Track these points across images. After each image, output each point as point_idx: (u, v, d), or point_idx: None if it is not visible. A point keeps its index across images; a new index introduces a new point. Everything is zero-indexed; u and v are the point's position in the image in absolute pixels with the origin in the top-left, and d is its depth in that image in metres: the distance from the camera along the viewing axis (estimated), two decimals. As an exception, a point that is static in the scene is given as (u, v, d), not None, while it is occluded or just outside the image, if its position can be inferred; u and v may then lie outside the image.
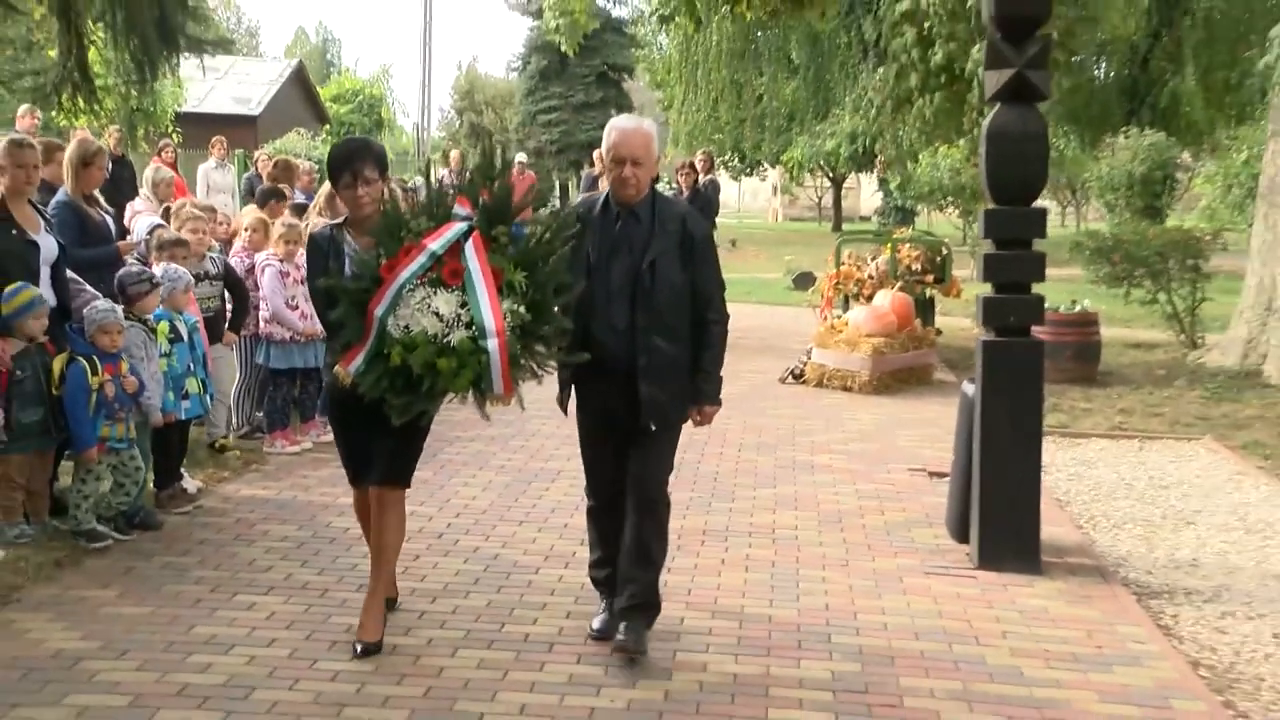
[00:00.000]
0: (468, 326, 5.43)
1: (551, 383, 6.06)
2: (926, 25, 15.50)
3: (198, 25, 7.19)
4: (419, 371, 5.41)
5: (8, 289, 7.81)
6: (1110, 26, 25.41)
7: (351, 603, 7.00)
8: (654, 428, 6.09)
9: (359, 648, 6.19)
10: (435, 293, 5.47)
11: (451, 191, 5.86)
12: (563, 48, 24.93)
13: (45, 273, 8.25)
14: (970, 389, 8.34)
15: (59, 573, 7.51)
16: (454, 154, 28.85)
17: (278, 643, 6.38)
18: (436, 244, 5.48)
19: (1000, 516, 8.05)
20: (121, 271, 8.83)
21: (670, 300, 6.00)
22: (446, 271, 5.48)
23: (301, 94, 47.36)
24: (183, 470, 9.24)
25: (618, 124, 6.13)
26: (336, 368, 5.66)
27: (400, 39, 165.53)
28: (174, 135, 22.81)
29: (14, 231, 8.09)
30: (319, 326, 9.21)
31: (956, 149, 16.29)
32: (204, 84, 38.25)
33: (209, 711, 5.65)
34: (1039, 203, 8.34)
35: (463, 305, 5.45)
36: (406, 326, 5.44)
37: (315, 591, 7.32)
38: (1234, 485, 10.59)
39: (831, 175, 37.36)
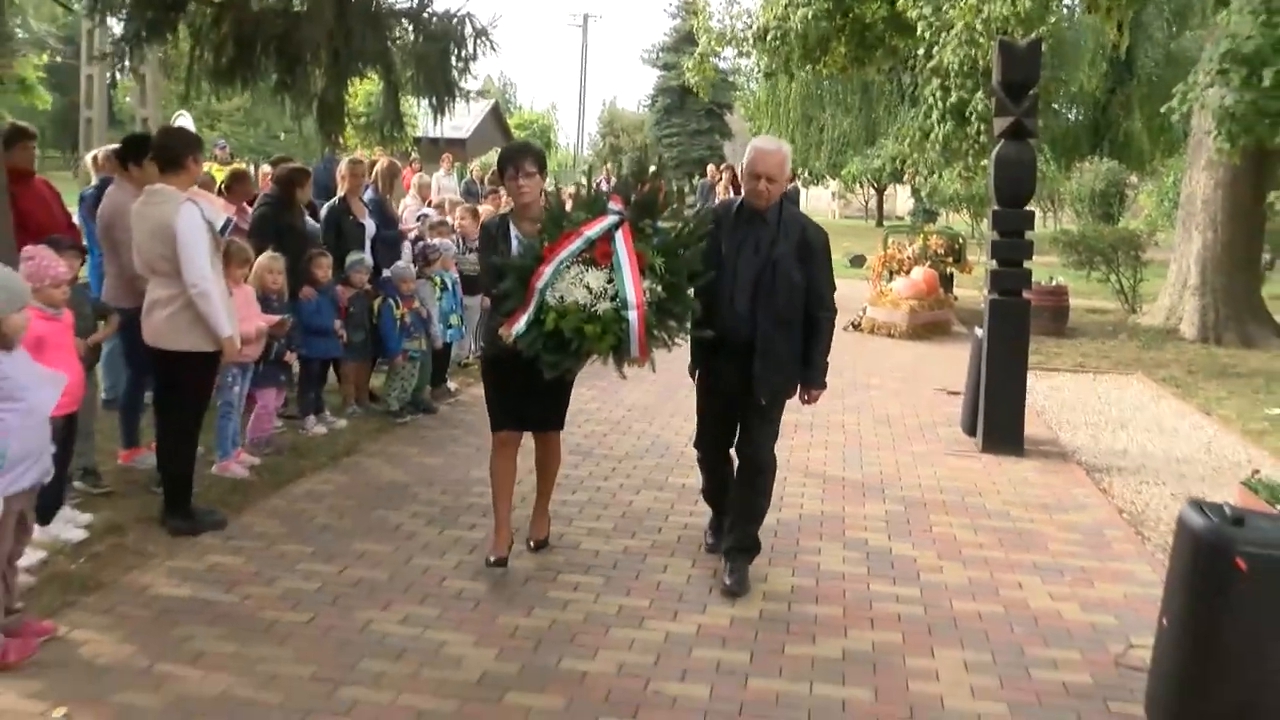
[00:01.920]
0: (612, 299, 4.82)
1: (677, 354, 5.25)
2: (948, 77, 15.59)
3: (467, 81, 7.62)
4: (569, 335, 4.81)
5: (351, 256, 8.49)
6: (1079, 85, 25.30)
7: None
8: (764, 402, 5.34)
9: (532, 544, 5.78)
10: (587, 270, 4.87)
11: (607, 190, 5.27)
12: (699, 94, 24.95)
13: (368, 245, 8.96)
14: (980, 333, 8.51)
15: (380, 436, 8.00)
16: (606, 167, 29.05)
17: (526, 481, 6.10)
18: (593, 231, 4.91)
19: (997, 418, 8.27)
20: (421, 244, 9.25)
21: (787, 294, 5.23)
22: (598, 253, 4.89)
23: (495, 123, 47.48)
24: (447, 375, 9.60)
25: (758, 144, 5.37)
26: (501, 329, 4.98)
27: (564, 84, 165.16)
28: (415, 154, 23.25)
29: (351, 217, 8.80)
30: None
31: (964, 168, 16.33)
32: (429, 116, 38.20)
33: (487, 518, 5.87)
34: (1028, 207, 8.52)
35: (609, 281, 4.84)
36: (561, 297, 4.84)
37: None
38: (1154, 404, 10.78)
39: (876, 185, 37.07)
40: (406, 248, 9.66)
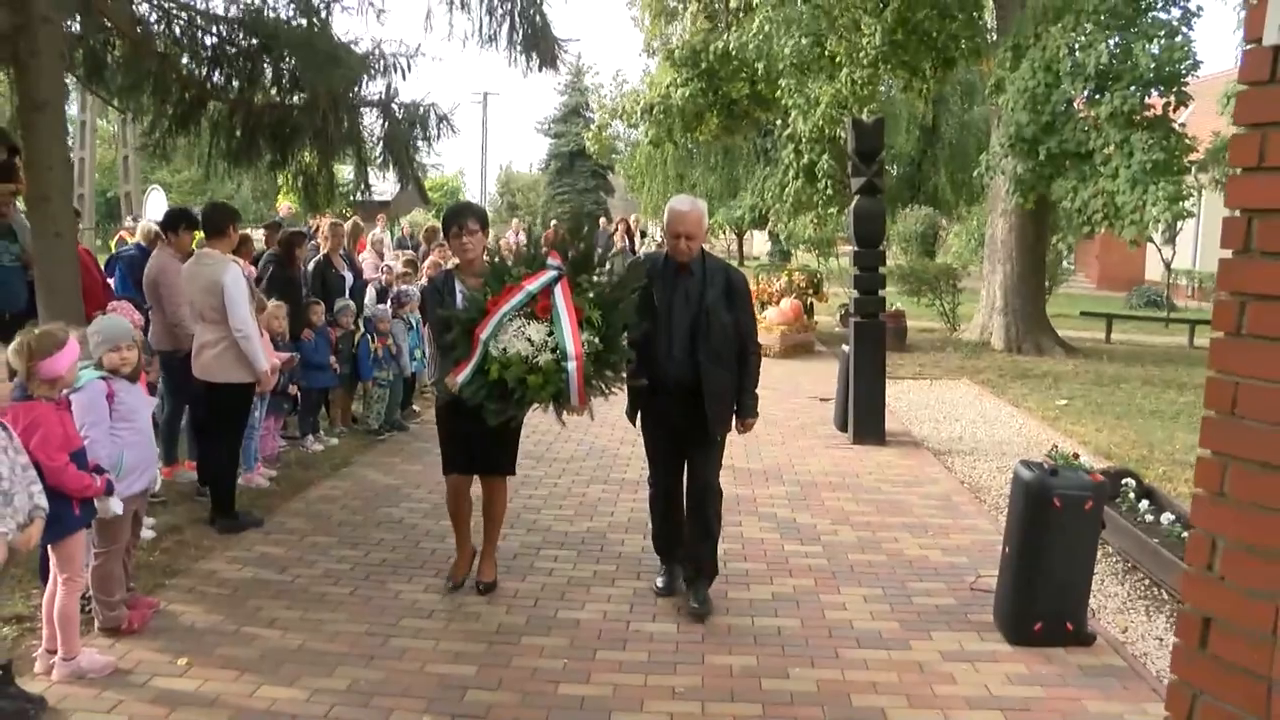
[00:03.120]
0: (553, 351, 4.44)
1: (614, 401, 4.82)
2: (800, 143, 16.34)
3: (430, 157, 8.01)
4: (512, 384, 4.44)
5: (338, 302, 8.78)
6: (898, 147, 26.57)
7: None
8: (717, 437, 5.02)
9: (480, 586, 5.26)
10: (529, 323, 4.48)
11: (545, 248, 4.80)
12: (595, 157, 25.10)
13: (346, 292, 9.25)
14: (847, 349, 9.03)
15: (367, 450, 8.25)
16: (514, 222, 29.25)
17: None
18: (533, 285, 4.53)
19: (863, 416, 8.83)
20: (395, 291, 9.49)
21: (721, 337, 4.88)
22: (539, 307, 4.51)
23: (414, 187, 47.27)
24: (413, 399, 9.79)
25: (675, 206, 4.94)
26: (447, 378, 4.62)
27: (467, 151, 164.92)
28: (351, 215, 23.19)
29: (333, 270, 9.07)
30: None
31: (814, 216, 17.11)
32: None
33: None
34: (880, 248, 9.12)
35: (550, 334, 4.46)
36: (504, 348, 4.45)
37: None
38: (977, 401, 11.44)
39: (737, 231, 37.76)
40: (370, 292, 9.87)
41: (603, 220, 23.76)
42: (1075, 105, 13.39)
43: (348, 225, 10.16)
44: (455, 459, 5.20)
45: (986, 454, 8.76)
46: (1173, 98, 12.75)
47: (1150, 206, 12.53)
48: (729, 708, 4.04)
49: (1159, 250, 23.40)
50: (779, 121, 16.61)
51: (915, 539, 6.29)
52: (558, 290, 4.57)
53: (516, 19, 6.96)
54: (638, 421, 5.23)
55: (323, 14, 6.97)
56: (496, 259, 4.79)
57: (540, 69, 7.19)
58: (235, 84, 7.25)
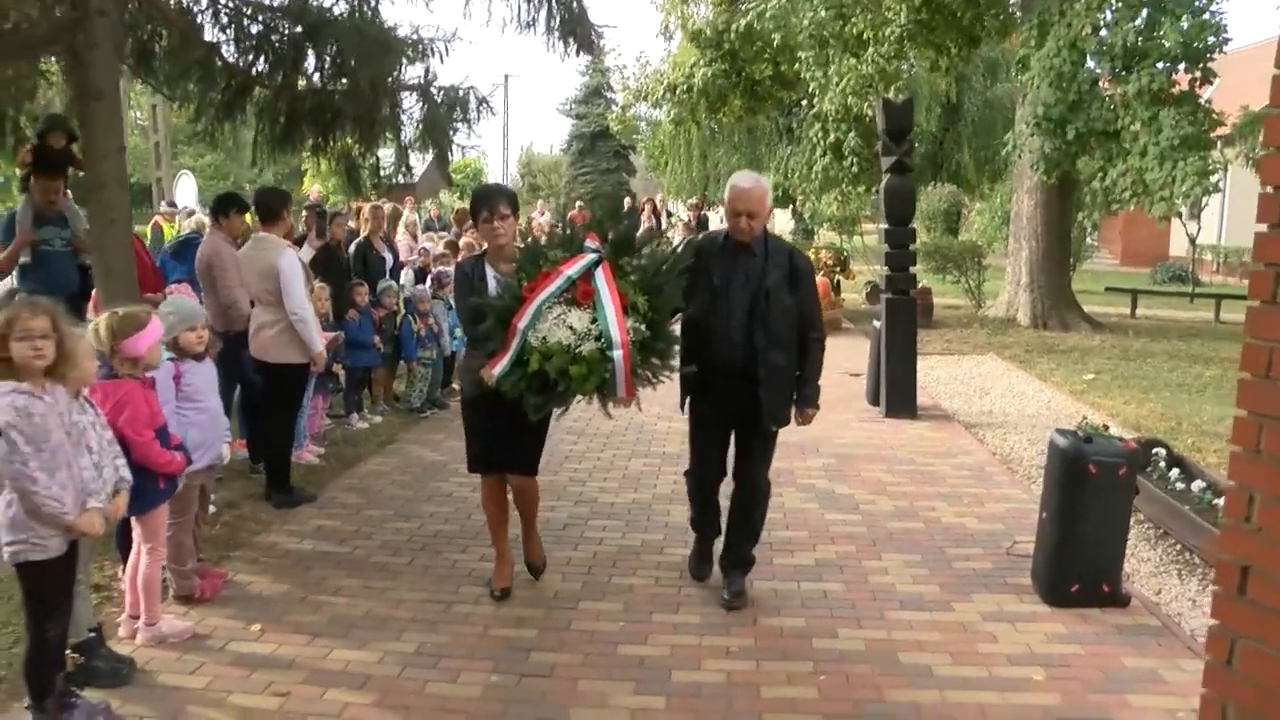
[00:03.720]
0: (597, 339, 4.14)
1: (664, 391, 4.57)
2: (827, 122, 16.39)
3: (472, 139, 8.21)
4: (554, 376, 4.14)
5: (381, 283, 9.01)
6: (921, 126, 26.57)
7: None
8: (772, 428, 4.76)
9: (533, 569, 5.18)
10: (570, 310, 4.20)
11: (583, 229, 4.51)
12: (620, 139, 25.01)
13: (386, 273, 9.47)
14: (878, 325, 9.15)
15: (411, 427, 8.46)
16: (539, 203, 29.26)
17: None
18: (573, 270, 4.23)
19: (895, 390, 8.98)
20: (435, 271, 9.61)
21: (782, 320, 4.58)
22: (580, 293, 4.21)
23: (437, 168, 47.35)
24: (452, 378, 9.64)
25: (738, 183, 4.64)
26: (482, 371, 4.32)
27: (489, 133, 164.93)
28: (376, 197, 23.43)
29: (374, 251, 9.31)
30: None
31: (839, 194, 17.21)
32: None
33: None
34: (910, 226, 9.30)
35: (593, 321, 4.16)
36: (544, 338, 4.17)
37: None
38: (1005, 376, 11.53)
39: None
40: (408, 273, 10.08)
41: (627, 200, 23.88)
42: (1101, 85, 13.45)
43: (387, 208, 10.38)
44: (478, 457, 4.95)
45: (1016, 427, 8.91)
46: (1199, 73, 12.78)
47: (1179, 183, 12.59)
48: (782, 665, 4.24)
49: (1184, 225, 23.35)
50: (804, 101, 16.71)
51: (951, 507, 6.48)
52: (599, 274, 4.27)
53: (554, 4, 7.11)
54: (686, 408, 4.96)
55: (372, 1, 7.13)
56: (529, 241, 4.53)
57: (578, 53, 7.35)
58: (279, 71, 7.44)
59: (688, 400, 4.92)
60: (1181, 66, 12.76)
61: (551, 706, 3.90)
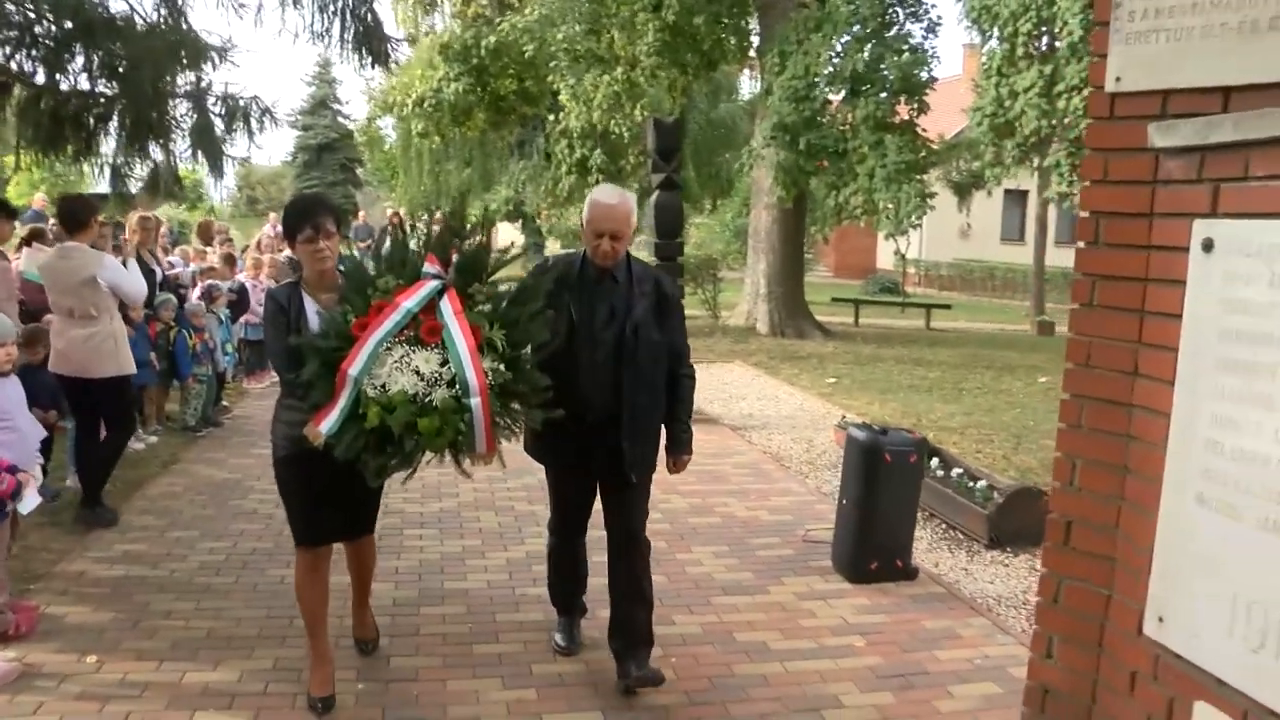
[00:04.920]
0: (450, 385, 3.45)
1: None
2: (574, 138, 16.97)
3: (249, 149, 7.98)
4: (398, 431, 3.42)
5: (159, 296, 8.55)
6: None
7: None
8: (634, 479, 4.13)
9: (367, 645, 4.53)
10: (414, 351, 3.49)
11: (419, 250, 3.75)
12: (366, 152, 24.44)
13: (157, 288, 9.06)
14: None
15: (190, 447, 8.21)
16: (271, 215, 28.01)
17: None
18: (411, 301, 3.53)
19: None
20: (207, 283, 9.39)
21: (651, 359, 4.02)
22: (425, 329, 3.52)
23: (166, 178, 44.32)
24: (222, 396, 9.62)
25: (600, 199, 4.01)
26: (306, 428, 3.52)
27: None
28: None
29: (144, 265, 8.92)
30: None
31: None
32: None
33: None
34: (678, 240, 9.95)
35: (443, 363, 3.47)
36: (383, 385, 3.43)
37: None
38: (755, 381, 12.52)
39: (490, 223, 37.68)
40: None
41: (362, 214, 23.53)
42: (832, 107, 14.79)
43: (152, 220, 9.91)
44: (310, 526, 3.98)
45: (779, 427, 9.70)
46: (916, 105, 14.34)
47: (904, 204, 14.07)
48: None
49: (895, 241, 25.69)
50: (551, 117, 17.24)
51: (742, 503, 7.06)
52: (445, 306, 3.58)
53: (348, 16, 7.16)
54: (541, 455, 4.33)
55: (177, 3, 6.93)
56: (349, 264, 3.79)
57: (373, 65, 7.42)
58: (41, 70, 7.07)
59: (545, 446, 4.18)
60: (902, 99, 14.28)
61: (428, 706, 4.05)
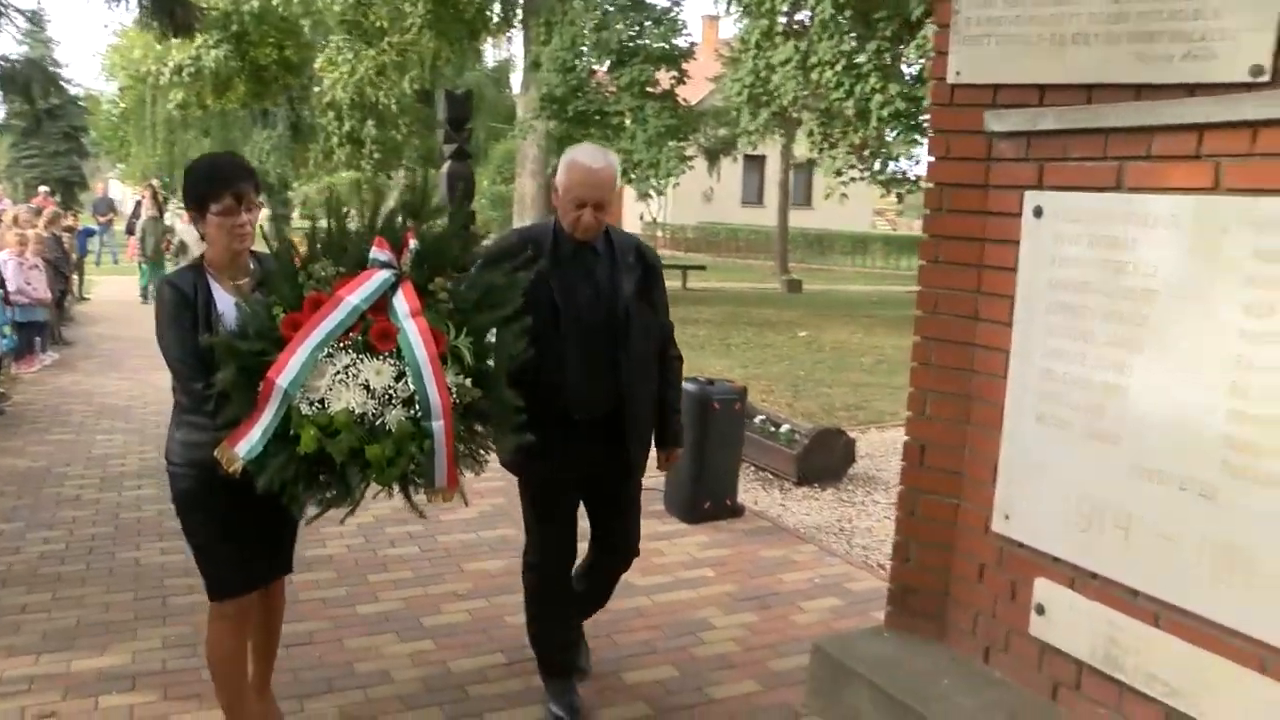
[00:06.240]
0: (406, 404, 2.73)
1: None
2: (341, 110, 16.72)
3: None
4: (340, 460, 2.69)
5: None
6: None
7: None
8: (636, 483, 3.69)
9: None
10: (363, 360, 2.74)
11: (363, 229, 2.99)
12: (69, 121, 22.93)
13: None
14: None
15: None
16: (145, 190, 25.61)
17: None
18: (358, 297, 2.78)
19: None
20: None
21: (643, 340, 3.47)
22: (376, 333, 2.77)
23: None
24: None
25: (582, 160, 3.36)
26: (218, 450, 2.75)
27: None
28: None
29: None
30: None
31: (364, 179, 17.62)
32: None
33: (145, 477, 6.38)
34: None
35: (397, 377, 2.73)
36: (322, 402, 2.70)
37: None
38: None
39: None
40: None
41: (101, 185, 22.00)
42: (598, 76, 15.36)
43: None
44: (241, 572, 3.22)
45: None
46: (677, 74, 15.12)
47: (663, 165, 14.83)
48: (510, 598, 4.77)
49: (648, 203, 26.65)
50: (318, 89, 16.90)
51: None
52: (399, 303, 2.83)
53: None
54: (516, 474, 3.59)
55: None
56: (278, 246, 2.98)
57: (176, 34, 7.19)
58: None
59: (525, 455, 3.19)
60: (664, 67, 15.02)
61: (333, 666, 4.20)
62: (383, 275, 2.86)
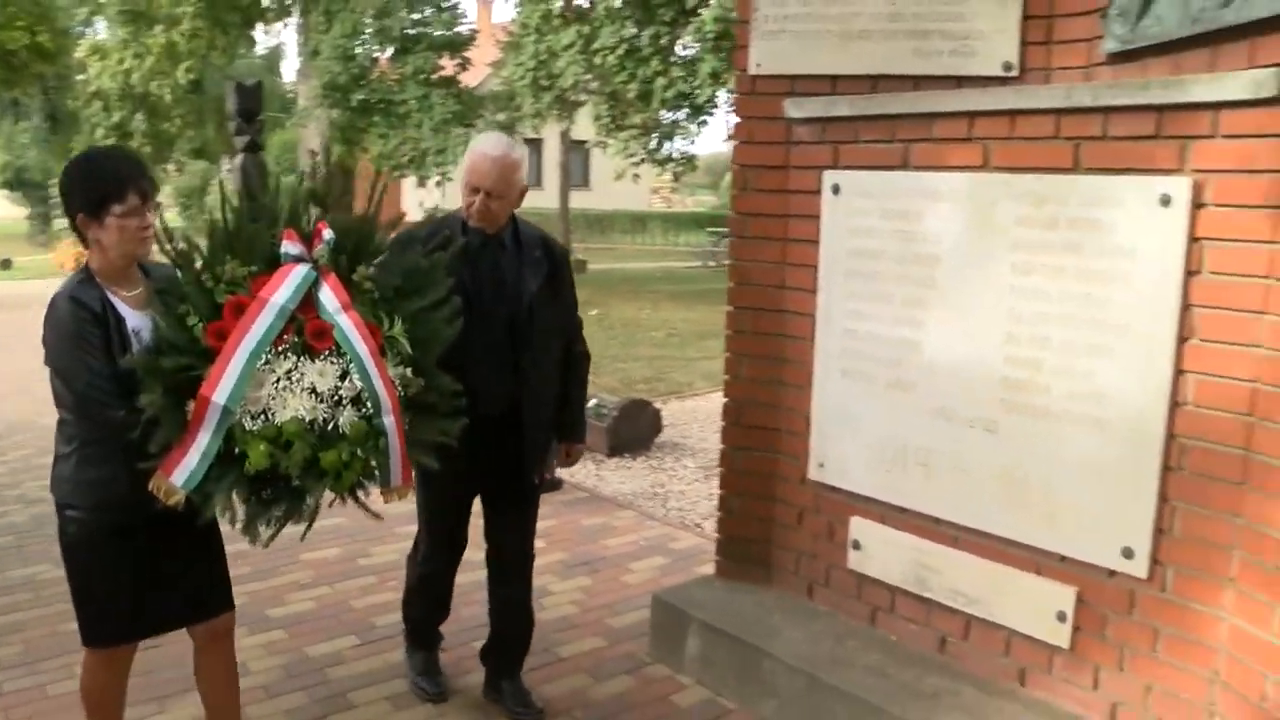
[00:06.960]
0: (355, 403, 2.54)
1: None
2: (109, 100, 15.84)
3: None
4: (296, 474, 2.47)
5: None
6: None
7: None
8: (536, 480, 3.57)
9: None
10: (304, 363, 2.52)
11: (267, 221, 2.69)
12: None
13: None
14: None
15: None
16: None
17: None
18: (282, 296, 2.52)
19: None
20: None
21: (546, 336, 3.38)
22: (310, 332, 2.53)
23: None
24: None
25: (480, 148, 3.29)
26: (154, 481, 2.45)
27: None
28: None
29: None
30: None
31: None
32: None
33: None
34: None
35: (342, 376, 2.53)
36: (268, 412, 2.47)
37: None
38: None
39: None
40: None
41: None
42: (380, 64, 15.19)
43: None
44: (136, 618, 2.85)
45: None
46: (461, 61, 15.13)
47: (450, 152, 14.85)
48: (354, 582, 4.85)
49: (429, 188, 26.42)
50: (81, 77, 15.93)
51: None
52: (326, 297, 2.61)
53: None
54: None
55: None
56: (176, 247, 2.65)
57: None
58: None
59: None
60: (446, 54, 15.00)
61: (189, 665, 4.06)
62: (302, 270, 2.60)
